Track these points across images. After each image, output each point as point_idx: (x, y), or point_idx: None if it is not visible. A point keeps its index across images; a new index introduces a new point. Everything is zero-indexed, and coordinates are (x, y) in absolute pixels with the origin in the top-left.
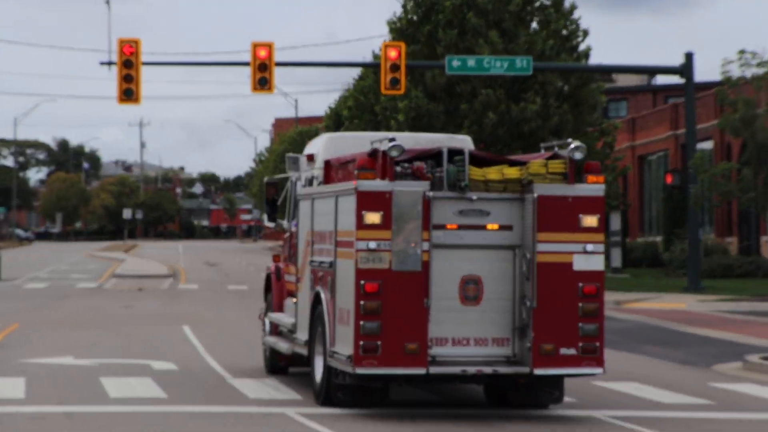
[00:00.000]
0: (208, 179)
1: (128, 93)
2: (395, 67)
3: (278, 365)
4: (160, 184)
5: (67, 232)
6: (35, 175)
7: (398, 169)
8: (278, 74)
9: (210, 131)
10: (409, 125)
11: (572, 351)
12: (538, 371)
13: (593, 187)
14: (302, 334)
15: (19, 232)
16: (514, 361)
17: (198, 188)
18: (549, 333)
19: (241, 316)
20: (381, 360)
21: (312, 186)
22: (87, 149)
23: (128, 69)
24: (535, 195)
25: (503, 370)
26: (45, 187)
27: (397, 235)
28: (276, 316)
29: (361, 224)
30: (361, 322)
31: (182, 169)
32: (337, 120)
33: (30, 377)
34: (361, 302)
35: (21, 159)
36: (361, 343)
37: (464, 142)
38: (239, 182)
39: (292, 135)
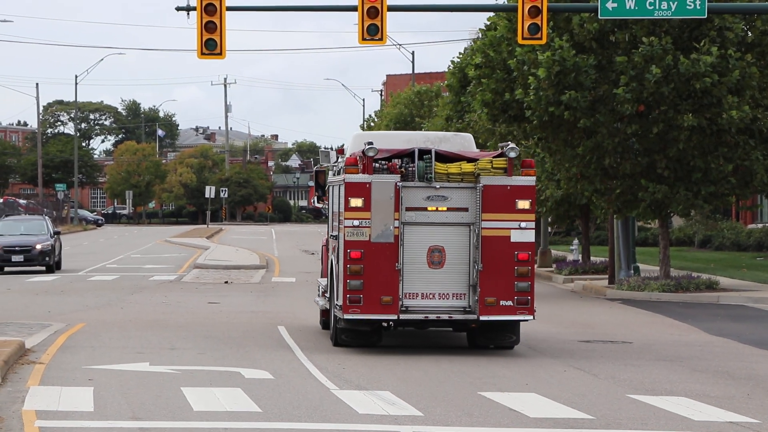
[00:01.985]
0: (307, 150)
1: (210, 45)
2: (535, 11)
3: (328, 322)
4: (249, 156)
5: (138, 214)
6: (100, 145)
7: (377, 165)
8: (391, 21)
9: (308, 92)
10: (551, 82)
11: (509, 302)
12: (483, 317)
13: (526, 179)
14: (328, 293)
15: (85, 213)
16: (468, 311)
17: (294, 161)
18: (492, 289)
19: None
20: (363, 308)
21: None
22: (161, 113)
23: (210, 15)
24: (482, 184)
25: (457, 316)
26: (112, 160)
27: (375, 215)
28: (320, 280)
29: (348, 207)
30: (348, 281)
31: (275, 137)
32: (462, 78)
33: (99, 387)
34: (348, 265)
35: (83, 125)
36: (348, 296)
37: (464, 139)
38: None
39: (408, 95)
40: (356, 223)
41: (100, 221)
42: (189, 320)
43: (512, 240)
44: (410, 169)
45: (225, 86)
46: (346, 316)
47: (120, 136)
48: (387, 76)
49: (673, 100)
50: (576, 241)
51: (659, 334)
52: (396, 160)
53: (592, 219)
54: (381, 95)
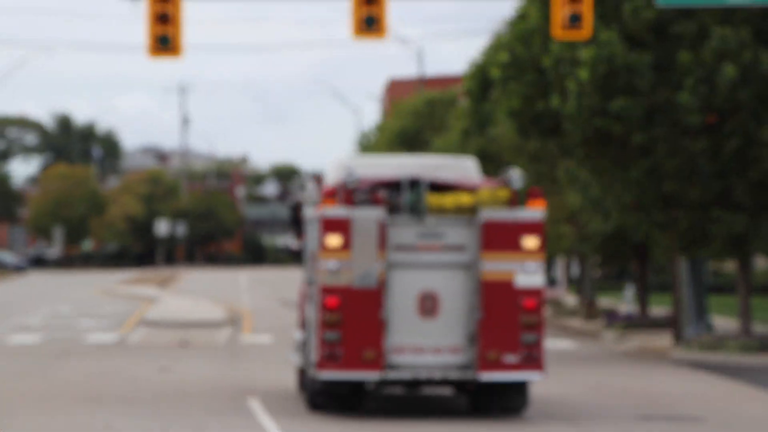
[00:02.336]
0: (286, 174)
1: (163, 41)
2: None
3: (305, 383)
4: (213, 181)
5: (70, 257)
6: (21, 169)
7: (359, 197)
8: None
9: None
10: (596, 86)
11: (514, 358)
12: (483, 376)
13: (534, 212)
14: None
15: (2, 255)
16: (466, 368)
17: (270, 188)
18: (494, 342)
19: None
20: (341, 365)
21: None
22: (100, 129)
23: (163, 3)
24: (481, 219)
25: (452, 375)
26: (37, 188)
27: (356, 255)
28: (296, 333)
29: (324, 246)
30: (324, 332)
31: (245, 159)
32: (483, 82)
33: None
34: (324, 315)
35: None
36: (324, 350)
37: (465, 165)
38: None
39: (415, 104)
40: (334, 265)
41: (21, 266)
42: (133, 394)
43: (517, 284)
44: (398, 201)
45: (181, 93)
46: (321, 375)
47: (47, 156)
48: (388, 79)
49: (753, 108)
50: (630, 288)
51: (740, 408)
52: (382, 191)
53: (650, 260)
54: (381, 104)
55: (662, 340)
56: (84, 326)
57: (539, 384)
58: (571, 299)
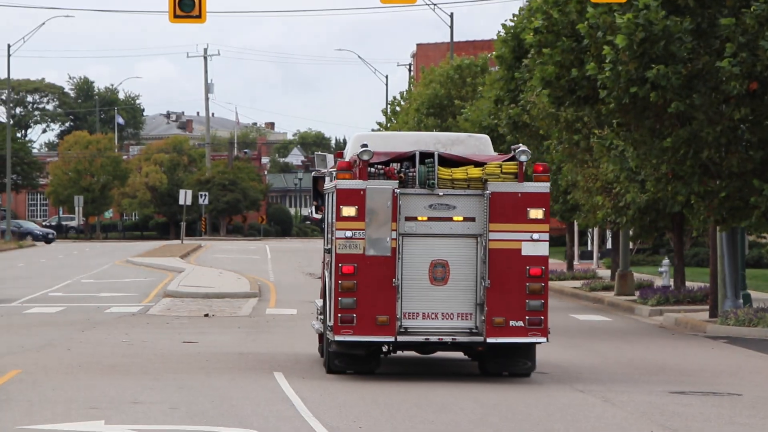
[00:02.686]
0: (312, 142)
1: (186, 5)
2: None
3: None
4: (236, 150)
5: (91, 227)
6: (41, 137)
7: (373, 170)
8: None
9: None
10: (634, 53)
11: (520, 323)
12: (490, 339)
13: (539, 185)
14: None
15: (30, 226)
16: (474, 332)
17: (296, 156)
18: (501, 308)
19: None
20: (356, 329)
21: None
22: (121, 95)
23: None
24: (489, 191)
25: (461, 338)
26: (56, 156)
27: (370, 225)
28: (317, 301)
29: (339, 216)
30: (339, 298)
31: (271, 126)
32: (517, 48)
33: None
34: (339, 281)
35: (18, 110)
36: (339, 315)
37: (480, 141)
38: None
39: (445, 71)
40: (349, 234)
41: (50, 236)
42: (157, 365)
43: (523, 253)
44: (411, 174)
45: (205, 59)
46: (338, 338)
47: (67, 124)
48: (417, 45)
49: None
50: (666, 261)
51: None
52: (395, 165)
53: (687, 232)
54: (410, 70)
55: (699, 314)
56: (105, 297)
57: (569, 355)
58: (605, 272)
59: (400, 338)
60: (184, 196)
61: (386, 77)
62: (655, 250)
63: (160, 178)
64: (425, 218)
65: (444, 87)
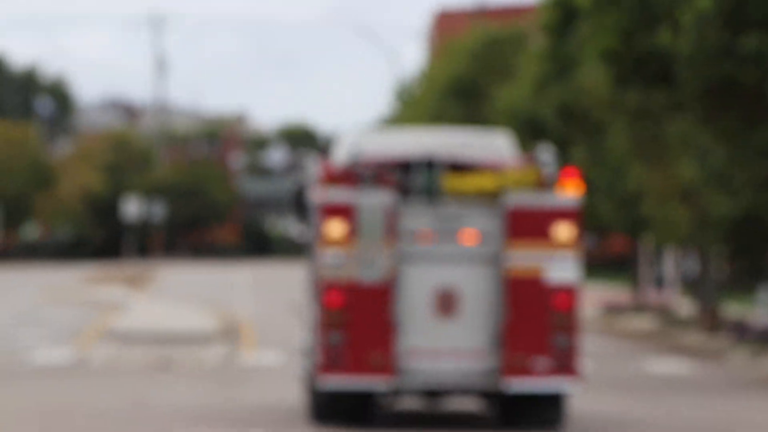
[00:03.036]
0: (298, 137)
1: None
2: None
3: None
4: (199, 147)
5: (9, 247)
6: None
7: (366, 178)
8: None
9: (300, 41)
10: (722, 16)
11: (545, 364)
12: (509, 385)
13: (567, 197)
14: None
15: None
16: (489, 375)
17: (275, 155)
18: (521, 345)
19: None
20: (345, 371)
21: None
22: (46, 76)
23: None
24: (506, 204)
25: (473, 382)
26: None
27: (362, 246)
28: (304, 336)
29: (324, 235)
30: (326, 334)
31: (241, 117)
32: (565, 10)
33: None
34: (326, 313)
35: None
36: (326, 354)
37: (497, 140)
38: None
39: (471, 44)
40: (336, 257)
41: None
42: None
43: (547, 280)
44: (412, 183)
45: (154, 29)
46: (323, 382)
47: None
48: (437, 11)
49: None
50: (767, 292)
51: None
52: (393, 172)
53: None
54: (426, 43)
55: None
56: (27, 341)
57: (637, 414)
58: (685, 306)
59: (398, 382)
60: (130, 208)
61: (395, 54)
62: (753, 276)
63: (100, 183)
64: (429, 237)
65: (471, 65)
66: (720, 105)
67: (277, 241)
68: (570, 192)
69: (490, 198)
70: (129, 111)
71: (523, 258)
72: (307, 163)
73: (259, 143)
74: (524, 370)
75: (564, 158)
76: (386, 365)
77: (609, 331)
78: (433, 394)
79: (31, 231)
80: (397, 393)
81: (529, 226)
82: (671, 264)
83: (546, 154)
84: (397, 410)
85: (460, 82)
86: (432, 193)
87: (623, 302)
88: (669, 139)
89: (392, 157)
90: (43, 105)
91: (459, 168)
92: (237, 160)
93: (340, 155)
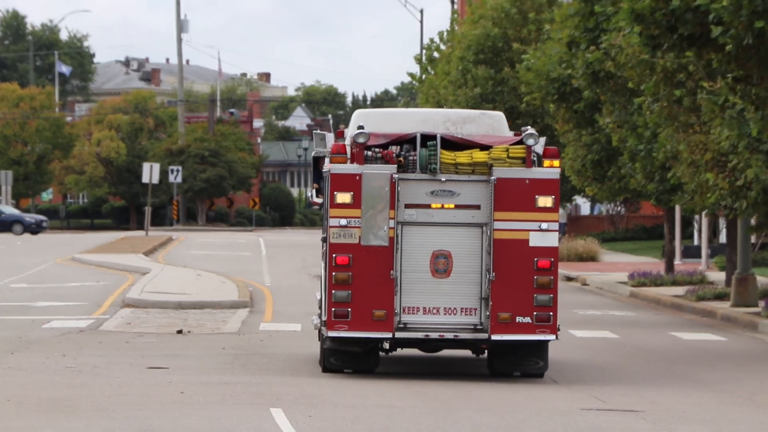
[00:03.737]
0: (322, 100)
1: None
2: None
3: None
4: (220, 110)
5: (24, 211)
6: None
7: (370, 153)
8: None
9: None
10: None
11: (527, 319)
12: (495, 337)
13: (549, 171)
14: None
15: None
16: (479, 329)
17: (300, 119)
18: (506, 303)
19: (391, 386)
20: (351, 325)
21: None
22: (64, 34)
23: None
24: (494, 177)
25: (464, 335)
26: None
27: (366, 213)
28: (317, 294)
29: (333, 203)
30: (333, 291)
31: (266, 78)
32: None
33: None
34: (333, 273)
35: None
36: (333, 309)
37: (494, 119)
38: (384, 105)
39: (500, 4)
40: (343, 222)
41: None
42: (114, 400)
43: (531, 244)
44: (411, 158)
45: None
46: (331, 334)
47: None
48: None
49: None
50: None
51: None
52: (394, 147)
53: None
54: (453, 3)
55: None
56: (43, 308)
57: (671, 389)
58: (717, 275)
59: (398, 334)
60: (150, 172)
61: (421, 12)
62: None
63: (117, 148)
64: (426, 205)
65: (499, 25)
66: (756, 68)
67: (299, 208)
68: (550, 167)
69: (482, 171)
70: (148, 73)
71: (510, 225)
72: (321, 138)
73: (282, 106)
74: (510, 324)
75: (592, 122)
76: (387, 319)
77: (638, 300)
78: (428, 346)
79: (48, 196)
80: (396, 345)
81: (515, 196)
82: (703, 233)
83: (531, 135)
84: (397, 359)
85: (487, 44)
86: (430, 167)
87: (654, 272)
88: (702, 103)
89: (395, 135)
90: (62, 67)
91: (455, 145)
92: (259, 123)
93: (350, 132)
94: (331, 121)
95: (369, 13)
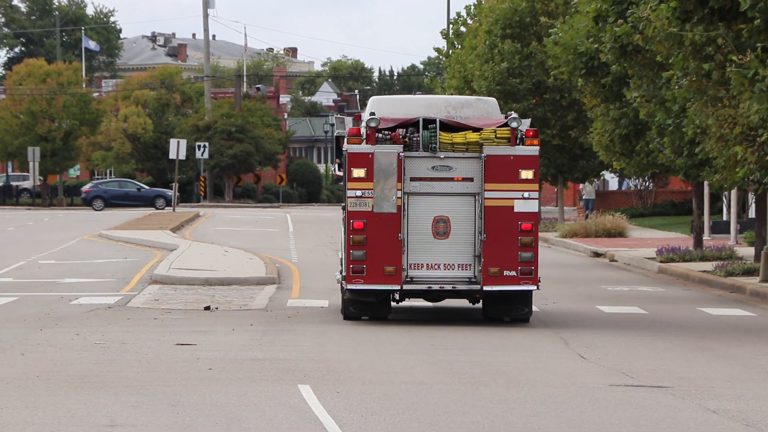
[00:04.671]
0: (349, 74)
1: None
2: None
3: None
4: (246, 86)
5: (51, 189)
6: None
7: (380, 135)
8: None
9: None
10: None
11: (513, 273)
12: (486, 288)
13: (530, 149)
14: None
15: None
16: (473, 281)
17: (327, 94)
18: (495, 259)
19: (418, 362)
20: (366, 279)
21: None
22: (90, 9)
23: None
24: (485, 155)
25: (461, 287)
26: (2, 92)
27: (378, 185)
28: (339, 253)
29: (350, 177)
30: (351, 251)
31: (293, 53)
32: None
33: None
34: (351, 236)
35: None
36: (351, 266)
37: (487, 104)
38: (410, 81)
39: None
40: (359, 193)
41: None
42: (143, 375)
43: (515, 210)
44: (415, 138)
45: None
46: (350, 286)
47: (17, 49)
48: None
49: None
50: None
51: None
52: (401, 130)
53: None
54: None
55: None
56: (71, 284)
57: (699, 364)
58: (746, 250)
59: (405, 287)
60: (177, 148)
61: None
62: None
63: (144, 124)
64: (428, 178)
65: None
66: None
67: (326, 185)
68: (532, 146)
69: (474, 149)
70: (174, 48)
71: (498, 194)
72: (341, 122)
73: (308, 81)
74: (498, 277)
75: (620, 96)
76: (396, 274)
77: (667, 276)
78: (431, 296)
79: (75, 173)
80: (404, 295)
81: (502, 170)
82: (732, 208)
83: (514, 119)
84: (405, 307)
85: (514, 18)
86: (430, 146)
87: (683, 247)
88: (731, 76)
89: (401, 119)
90: (88, 42)
91: (451, 127)
92: (286, 99)
93: (365, 116)
94: (357, 97)
95: None
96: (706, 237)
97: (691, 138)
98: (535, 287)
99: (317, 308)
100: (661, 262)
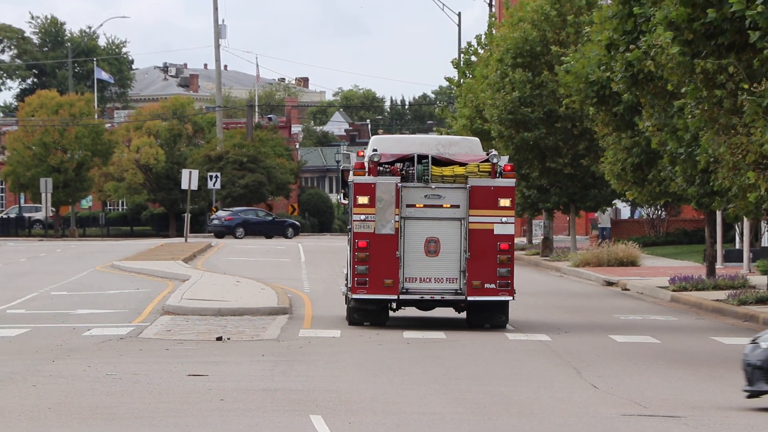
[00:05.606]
0: (359, 105)
1: None
2: None
3: None
4: (258, 115)
5: (63, 220)
6: None
7: (381, 168)
8: None
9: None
10: None
11: (493, 285)
12: (470, 298)
13: (507, 180)
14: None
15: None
16: (459, 293)
17: (338, 124)
18: (478, 274)
19: (430, 391)
20: (368, 290)
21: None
22: (102, 40)
23: None
24: (469, 185)
25: (448, 297)
26: (14, 123)
27: (379, 211)
28: (344, 269)
29: (356, 204)
30: (356, 266)
31: (304, 83)
32: None
33: None
34: (356, 253)
35: None
36: (356, 279)
37: (471, 143)
38: (422, 110)
39: (539, 6)
40: (363, 217)
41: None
42: (155, 407)
43: (495, 232)
44: (410, 171)
45: None
46: (354, 296)
47: (29, 80)
48: None
49: None
50: None
51: None
52: (398, 164)
53: None
54: (491, 6)
55: None
56: (83, 315)
57: (712, 393)
58: (759, 279)
59: (402, 297)
60: (189, 178)
61: (458, 16)
62: None
63: (156, 154)
64: (421, 205)
65: (537, 28)
66: None
67: (337, 215)
68: (509, 178)
69: (461, 181)
70: (186, 79)
71: (480, 219)
72: (347, 156)
73: (320, 111)
74: (480, 289)
75: (632, 125)
76: (394, 286)
77: (680, 305)
78: (423, 305)
79: (87, 203)
80: (400, 304)
81: (483, 198)
82: (745, 236)
83: (494, 155)
84: (401, 316)
85: (525, 47)
86: (423, 178)
87: (696, 276)
88: (744, 104)
89: (399, 155)
90: (101, 73)
91: (441, 162)
92: (297, 129)
93: (368, 153)
94: (369, 126)
95: (407, 17)
96: (718, 266)
97: (703, 167)
98: (511, 298)
99: (329, 338)
100: (673, 291)
